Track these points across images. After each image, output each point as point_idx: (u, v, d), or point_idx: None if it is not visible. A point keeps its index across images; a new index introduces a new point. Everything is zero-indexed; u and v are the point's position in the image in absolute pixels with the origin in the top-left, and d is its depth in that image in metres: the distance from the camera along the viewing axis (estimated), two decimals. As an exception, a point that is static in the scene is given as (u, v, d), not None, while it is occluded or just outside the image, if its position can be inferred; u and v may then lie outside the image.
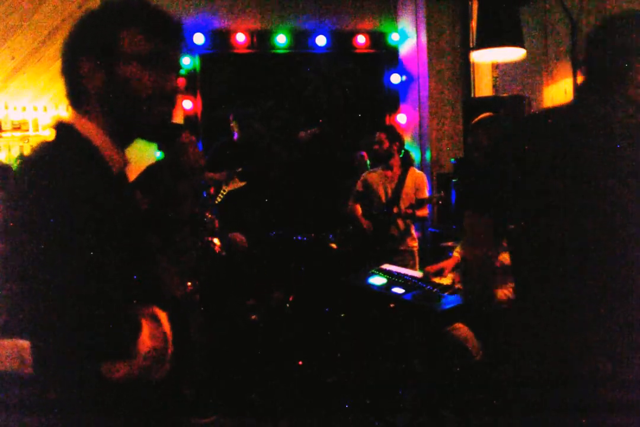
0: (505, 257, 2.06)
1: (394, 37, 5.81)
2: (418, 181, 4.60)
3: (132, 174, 3.19)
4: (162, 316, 1.26)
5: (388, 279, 3.19)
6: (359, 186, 4.67)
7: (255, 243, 4.29)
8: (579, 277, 1.47)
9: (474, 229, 1.71)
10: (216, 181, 4.41)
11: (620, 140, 1.50)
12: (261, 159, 4.93)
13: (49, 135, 1.28)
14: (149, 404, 1.30)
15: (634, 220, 1.45)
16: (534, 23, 5.06)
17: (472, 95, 5.32)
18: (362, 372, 3.42)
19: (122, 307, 1.22)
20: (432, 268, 3.17)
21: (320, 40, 5.66)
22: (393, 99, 5.86)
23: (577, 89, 1.66)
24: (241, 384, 3.82)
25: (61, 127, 1.27)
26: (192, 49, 5.48)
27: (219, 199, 4.49)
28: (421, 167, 5.39)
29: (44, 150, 1.25)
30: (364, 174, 4.72)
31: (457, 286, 2.92)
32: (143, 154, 4.61)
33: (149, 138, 1.35)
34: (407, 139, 5.42)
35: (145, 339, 1.19)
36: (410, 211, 4.43)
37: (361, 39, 5.75)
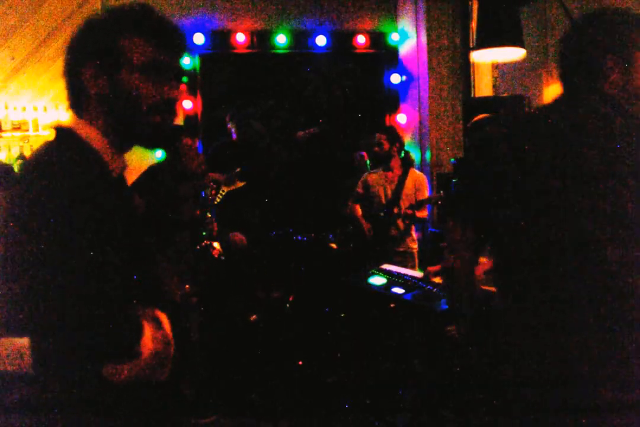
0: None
1: (394, 37, 5.80)
2: (418, 182, 4.60)
3: (133, 175, 3.20)
4: (163, 317, 1.26)
5: (388, 279, 3.19)
6: (359, 187, 4.68)
7: (255, 243, 4.29)
8: (579, 277, 1.47)
9: (456, 237, 1.72)
10: (215, 181, 4.41)
11: (598, 136, 1.50)
12: (260, 159, 4.92)
13: (49, 137, 1.28)
14: (149, 404, 1.30)
15: (626, 216, 1.45)
16: (534, 23, 5.07)
17: (472, 95, 5.32)
18: (362, 372, 3.42)
19: (123, 308, 1.22)
20: (433, 268, 3.17)
21: (320, 40, 5.66)
22: (393, 99, 5.86)
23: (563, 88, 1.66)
24: (241, 384, 3.82)
25: (61, 131, 1.28)
26: (192, 49, 5.48)
27: (218, 199, 4.49)
28: (421, 167, 5.38)
29: (44, 153, 1.25)
30: (364, 175, 4.72)
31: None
32: (144, 156, 4.61)
33: (147, 146, 1.36)
34: (407, 139, 5.42)
35: (147, 342, 1.20)
36: (410, 212, 4.43)
37: (361, 39, 5.75)
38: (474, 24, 5.07)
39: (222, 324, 4.08)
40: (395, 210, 4.49)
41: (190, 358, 3.51)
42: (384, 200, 4.56)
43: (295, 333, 4.01)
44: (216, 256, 3.62)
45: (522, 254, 1.53)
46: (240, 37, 5.53)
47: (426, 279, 3.11)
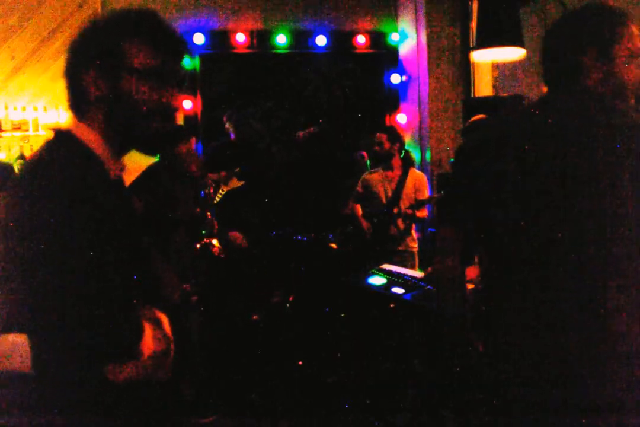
0: None
1: (394, 37, 5.80)
2: (418, 182, 4.60)
3: (132, 176, 3.21)
4: (163, 317, 1.27)
5: (388, 279, 3.19)
6: (359, 187, 4.68)
7: (255, 243, 4.29)
8: (579, 277, 1.47)
9: (445, 241, 1.73)
10: (214, 181, 4.42)
11: (582, 134, 1.50)
12: (260, 159, 4.93)
13: (47, 139, 1.29)
14: (149, 404, 1.30)
15: (624, 216, 1.45)
16: (534, 23, 5.06)
17: (472, 95, 5.32)
18: (362, 372, 3.42)
19: (123, 308, 1.23)
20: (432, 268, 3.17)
21: (320, 40, 5.66)
22: (393, 99, 5.86)
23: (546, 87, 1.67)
24: (241, 384, 3.82)
25: (59, 132, 1.28)
26: (192, 49, 5.48)
27: (218, 199, 4.49)
28: (421, 167, 5.38)
29: (42, 154, 1.26)
30: (364, 175, 4.72)
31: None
32: (143, 157, 4.60)
33: (144, 150, 1.36)
34: (407, 139, 5.42)
35: (148, 342, 1.21)
36: (410, 212, 4.43)
37: (361, 39, 5.75)
38: (474, 24, 5.06)
39: (222, 324, 4.08)
40: (395, 210, 4.49)
41: (190, 358, 3.51)
42: (384, 200, 4.56)
43: (295, 333, 4.00)
44: (216, 253, 3.63)
45: (522, 254, 1.53)
46: (240, 37, 5.53)
47: (426, 279, 3.11)
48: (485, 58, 4.63)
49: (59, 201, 1.15)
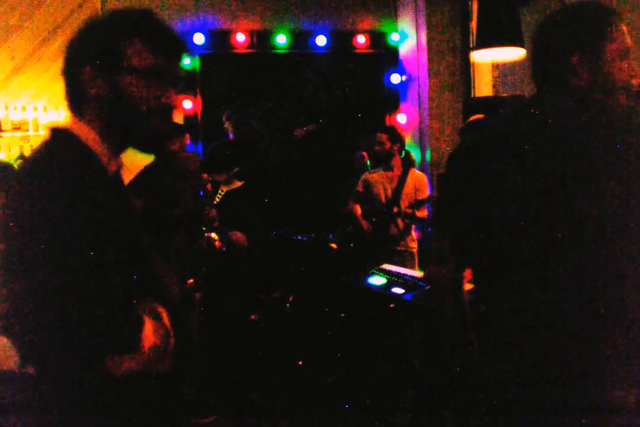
0: None
1: (394, 37, 5.80)
2: (418, 182, 4.60)
3: (131, 174, 3.21)
4: (163, 311, 1.28)
5: (388, 279, 3.19)
6: (359, 186, 4.68)
7: (255, 243, 4.29)
8: (579, 277, 1.47)
9: (440, 247, 1.74)
10: (214, 181, 4.42)
11: (568, 133, 1.50)
12: (259, 159, 4.93)
13: (45, 138, 1.30)
14: (149, 404, 1.30)
15: (620, 215, 1.45)
16: (534, 23, 5.06)
17: (472, 95, 5.32)
18: (362, 372, 3.42)
19: (123, 304, 1.23)
20: (431, 267, 3.17)
21: (320, 40, 5.66)
22: (393, 99, 5.86)
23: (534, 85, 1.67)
24: (241, 384, 3.82)
25: (57, 131, 1.29)
26: (192, 49, 5.48)
27: (218, 199, 4.49)
28: (421, 167, 5.38)
29: (40, 153, 1.27)
30: (364, 175, 4.72)
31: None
32: (141, 155, 4.60)
33: (141, 148, 1.37)
34: (407, 139, 5.42)
35: (148, 334, 1.21)
36: (410, 211, 4.43)
37: (361, 39, 5.75)
38: (474, 24, 5.06)
39: (222, 324, 4.08)
40: (395, 209, 4.49)
41: (190, 358, 3.51)
42: (384, 200, 4.56)
43: (295, 333, 4.00)
44: (217, 247, 3.65)
45: (522, 254, 1.53)
46: (240, 37, 5.53)
47: (426, 278, 3.11)
48: (485, 58, 4.63)
49: (57, 199, 1.16)
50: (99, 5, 5.23)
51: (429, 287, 2.98)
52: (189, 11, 5.48)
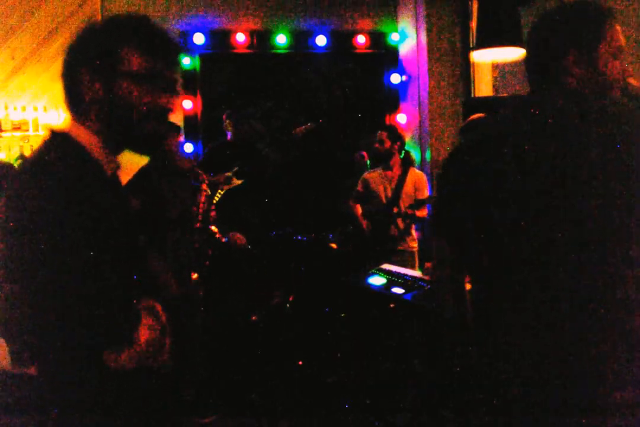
0: None
1: (394, 37, 5.80)
2: (418, 181, 4.60)
3: (129, 174, 3.22)
4: (159, 308, 1.31)
5: (388, 279, 3.19)
6: (359, 186, 4.68)
7: (255, 243, 4.29)
8: (579, 277, 1.47)
9: (440, 252, 1.74)
10: (213, 182, 4.42)
11: (561, 133, 1.50)
12: (259, 158, 4.93)
13: (44, 140, 1.33)
14: (149, 404, 1.31)
15: (619, 215, 1.45)
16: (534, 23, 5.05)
17: (472, 95, 5.32)
18: (362, 372, 3.42)
19: (120, 303, 1.26)
20: (430, 264, 3.17)
21: (320, 40, 5.66)
22: (393, 99, 5.85)
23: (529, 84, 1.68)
24: (241, 384, 3.82)
25: (55, 133, 1.33)
26: (192, 49, 5.48)
27: (217, 199, 4.49)
28: (421, 167, 5.38)
29: (39, 155, 1.30)
30: (364, 174, 4.72)
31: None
32: (138, 157, 4.60)
33: (137, 151, 1.41)
34: (407, 139, 5.42)
35: (144, 329, 1.25)
36: (410, 211, 4.43)
37: (361, 39, 5.75)
38: (474, 24, 5.06)
39: (222, 324, 4.08)
40: (395, 209, 4.49)
41: (190, 358, 3.51)
42: (383, 200, 4.56)
43: (295, 333, 4.00)
44: (217, 237, 3.67)
45: (522, 254, 1.53)
46: (240, 37, 5.53)
47: (425, 275, 3.11)
48: (485, 58, 4.63)
49: (55, 199, 1.18)
50: (98, 5, 5.22)
51: (429, 287, 2.98)
52: (189, 11, 5.48)
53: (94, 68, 1.28)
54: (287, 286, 4.37)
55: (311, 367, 3.83)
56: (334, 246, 4.54)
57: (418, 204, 4.45)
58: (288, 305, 4.22)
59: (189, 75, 5.49)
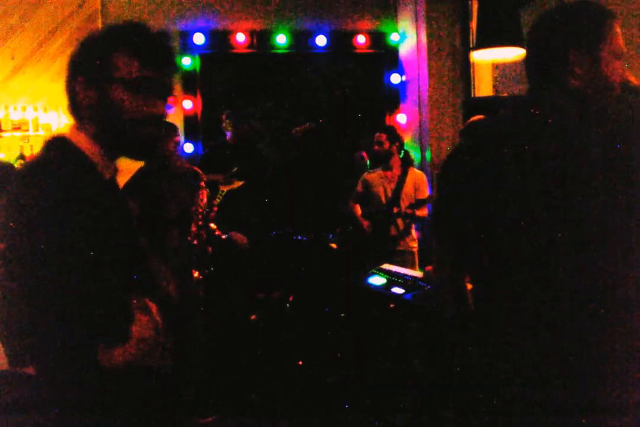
0: None
1: (394, 37, 5.80)
2: (418, 181, 4.60)
3: (126, 176, 3.23)
4: (153, 307, 1.33)
5: (388, 279, 3.19)
6: (359, 187, 4.68)
7: (255, 243, 4.29)
8: (579, 277, 1.47)
9: (440, 252, 1.74)
10: (213, 182, 4.41)
11: (562, 132, 1.50)
12: (259, 158, 4.92)
13: (44, 144, 1.36)
14: (149, 404, 1.31)
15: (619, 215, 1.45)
16: (534, 23, 5.05)
17: (472, 95, 5.32)
18: (362, 372, 3.42)
19: (120, 300, 1.28)
20: (431, 267, 3.16)
21: (320, 40, 5.66)
22: (393, 99, 5.86)
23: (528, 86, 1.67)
24: (241, 384, 3.82)
25: (56, 138, 1.37)
26: (192, 49, 5.48)
27: (218, 200, 4.49)
28: (421, 167, 5.38)
29: (39, 159, 1.34)
30: (364, 175, 4.73)
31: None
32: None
33: (130, 156, 1.43)
34: (407, 139, 5.42)
35: (138, 328, 1.26)
36: (410, 211, 4.43)
37: (361, 39, 5.75)
38: (474, 24, 5.06)
39: (222, 324, 4.08)
40: (395, 209, 4.49)
41: (190, 358, 3.51)
42: (383, 200, 4.57)
43: (295, 333, 4.00)
44: (217, 235, 3.68)
45: (522, 254, 1.53)
46: (240, 37, 5.53)
47: (426, 279, 3.11)
48: (485, 58, 4.63)
49: (54, 202, 1.20)
50: (99, 5, 5.22)
51: (429, 287, 2.98)
52: (189, 11, 5.48)
53: (89, 75, 1.32)
54: (287, 286, 4.37)
55: (311, 367, 3.83)
56: (334, 246, 4.54)
57: (418, 204, 4.46)
58: (288, 305, 4.22)
59: (189, 75, 5.49)
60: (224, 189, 4.50)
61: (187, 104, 5.49)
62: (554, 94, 1.57)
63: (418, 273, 3.30)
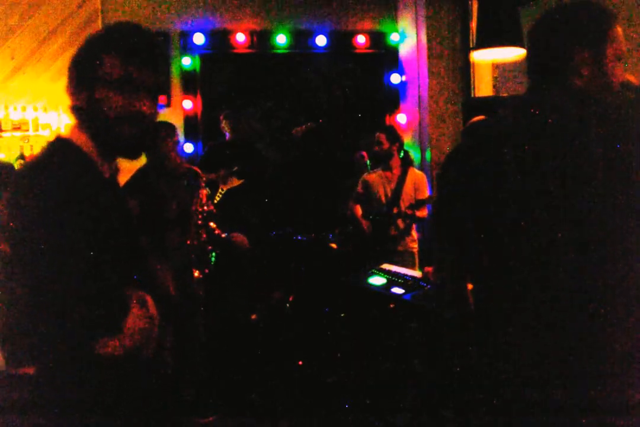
0: None
1: (394, 37, 5.80)
2: (418, 181, 4.60)
3: (127, 175, 3.23)
4: (149, 299, 1.35)
5: (388, 279, 3.19)
6: (359, 187, 4.68)
7: (255, 243, 4.29)
8: (579, 277, 1.47)
9: (440, 252, 1.74)
10: (212, 181, 4.42)
11: (564, 132, 1.50)
12: (258, 158, 4.93)
13: (46, 144, 1.39)
14: (149, 404, 1.31)
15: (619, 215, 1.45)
16: (534, 23, 5.05)
17: (472, 95, 5.32)
18: (362, 372, 3.42)
19: (119, 299, 1.29)
20: (430, 268, 3.17)
21: (320, 40, 5.66)
22: (393, 99, 5.86)
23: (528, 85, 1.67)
24: (241, 384, 3.82)
25: (57, 139, 1.40)
26: (192, 49, 5.48)
27: (217, 199, 4.49)
28: (421, 167, 5.38)
29: (40, 159, 1.36)
30: (364, 175, 4.73)
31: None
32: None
33: (121, 155, 1.43)
34: (407, 139, 5.42)
35: (134, 319, 1.28)
36: (410, 212, 4.43)
37: (361, 39, 5.75)
38: (474, 24, 5.06)
39: (222, 323, 4.08)
40: (395, 210, 4.49)
41: (190, 358, 3.51)
42: (383, 200, 4.56)
43: (295, 333, 4.00)
44: (217, 233, 3.68)
45: (522, 254, 1.53)
46: (240, 37, 5.53)
47: (426, 279, 3.11)
48: (485, 58, 4.63)
49: (54, 200, 1.21)
50: (99, 5, 5.23)
51: (429, 287, 2.98)
52: (189, 11, 5.48)
53: (80, 76, 1.36)
54: (287, 286, 4.37)
55: (311, 367, 3.83)
56: (334, 246, 4.54)
57: (418, 204, 4.46)
58: (288, 305, 4.22)
59: (189, 75, 5.49)
60: (224, 188, 4.50)
61: (187, 104, 5.49)
62: (554, 93, 1.57)
63: (418, 273, 3.30)
